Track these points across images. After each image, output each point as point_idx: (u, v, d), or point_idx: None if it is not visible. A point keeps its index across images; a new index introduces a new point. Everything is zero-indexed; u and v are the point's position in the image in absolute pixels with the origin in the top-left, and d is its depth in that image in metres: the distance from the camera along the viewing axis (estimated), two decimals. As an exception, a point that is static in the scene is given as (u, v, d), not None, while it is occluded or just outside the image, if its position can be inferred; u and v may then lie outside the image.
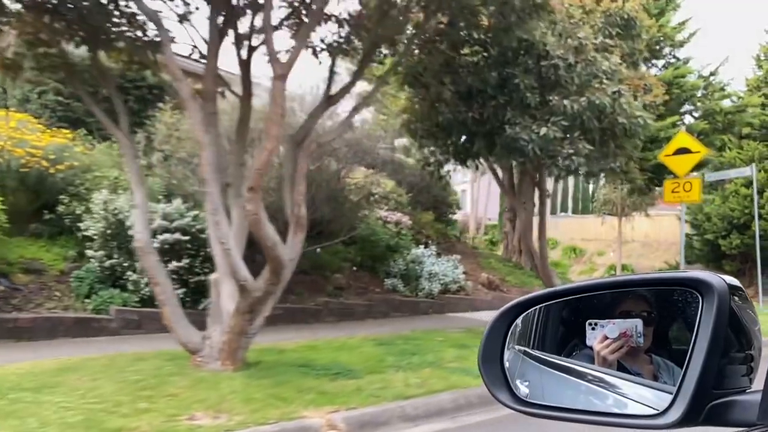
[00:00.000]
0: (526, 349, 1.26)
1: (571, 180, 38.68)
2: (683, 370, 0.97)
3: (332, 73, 7.10)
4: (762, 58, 27.24)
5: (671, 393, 0.99)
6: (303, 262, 12.51)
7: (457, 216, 33.58)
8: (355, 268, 13.17)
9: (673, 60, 17.92)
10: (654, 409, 1.01)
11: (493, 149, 8.56)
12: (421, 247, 14.24)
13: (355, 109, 7.38)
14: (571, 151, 8.22)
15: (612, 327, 1.08)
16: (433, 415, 6.18)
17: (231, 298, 6.29)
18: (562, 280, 18.10)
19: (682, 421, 0.95)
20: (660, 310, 1.09)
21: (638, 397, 1.05)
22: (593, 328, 1.11)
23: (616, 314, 1.10)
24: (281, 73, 5.70)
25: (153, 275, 6.28)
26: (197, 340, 6.38)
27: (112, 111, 6.75)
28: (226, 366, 6.33)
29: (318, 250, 12.47)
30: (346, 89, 7.06)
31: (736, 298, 0.98)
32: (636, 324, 1.06)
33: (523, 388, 1.22)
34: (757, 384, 0.97)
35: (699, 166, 18.01)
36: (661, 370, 1.04)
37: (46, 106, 12.86)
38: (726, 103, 18.32)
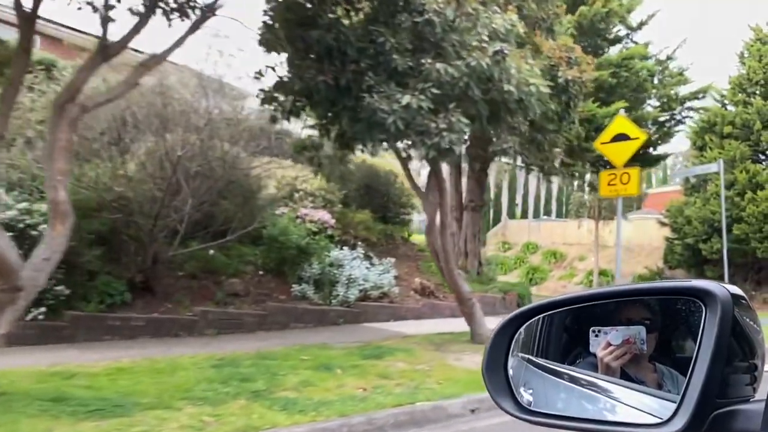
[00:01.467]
0: (530, 357, 1.22)
1: (555, 182, 36.76)
2: (687, 379, 0.95)
3: (106, 19, 5.33)
4: (746, 55, 25.35)
5: (675, 402, 0.96)
6: (192, 264, 10.73)
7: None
8: (261, 273, 11.35)
9: (631, 45, 15.74)
10: (657, 417, 0.98)
11: (357, 125, 6.70)
12: (345, 248, 12.41)
13: (144, 66, 5.59)
14: (443, 126, 6.35)
15: (615, 334, 1.05)
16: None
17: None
18: (513, 290, 16.17)
19: (686, 431, 0.92)
20: (664, 319, 1.06)
21: (642, 405, 1.02)
22: (596, 335, 1.08)
23: (619, 321, 1.06)
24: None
25: None
26: None
27: None
28: (-71, 401, 4.53)
29: (211, 251, 10.69)
30: (125, 40, 5.27)
31: (739, 307, 0.95)
32: (639, 330, 1.03)
33: (526, 396, 1.19)
34: (761, 393, 0.95)
35: (655, 161, 16.10)
36: (665, 379, 1.01)
37: None
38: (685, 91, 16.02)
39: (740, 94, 24.27)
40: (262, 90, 7.51)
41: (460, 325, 10.80)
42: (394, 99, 6.15)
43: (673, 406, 0.94)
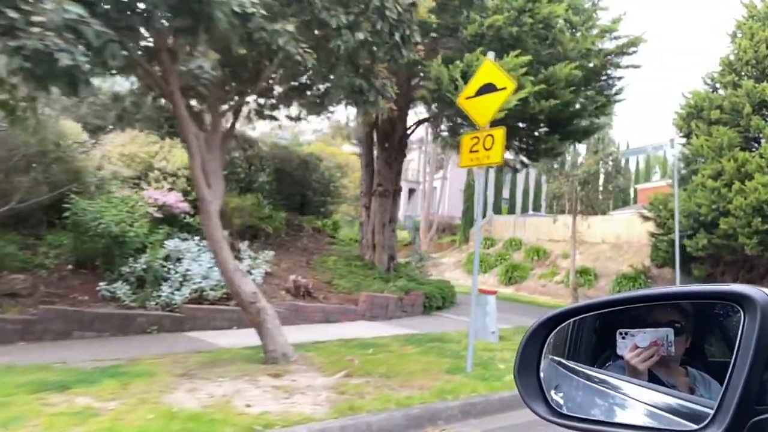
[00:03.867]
0: (561, 360, 1.15)
1: (543, 178, 33.62)
2: (724, 385, 0.86)
3: None
4: (738, 35, 22.22)
5: (708, 407, 0.88)
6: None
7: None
8: (71, 267, 8.87)
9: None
10: (692, 423, 0.90)
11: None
12: (197, 239, 9.86)
13: None
14: (38, 19, 3.71)
15: (643, 336, 0.99)
16: None
17: None
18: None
19: None
20: (696, 323, 0.98)
21: (675, 410, 0.94)
22: (624, 338, 1.01)
23: (647, 324, 1.00)
24: None
25: None
26: None
27: None
28: None
29: (-12, 239, 8.25)
30: None
31: None
32: (667, 333, 0.96)
33: (558, 399, 1.11)
34: None
35: (583, 134, 13.02)
36: (697, 383, 0.94)
37: None
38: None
39: (730, 75, 21.15)
40: None
41: (318, 334, 8.40)
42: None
43: (707, 411, 0.87)
